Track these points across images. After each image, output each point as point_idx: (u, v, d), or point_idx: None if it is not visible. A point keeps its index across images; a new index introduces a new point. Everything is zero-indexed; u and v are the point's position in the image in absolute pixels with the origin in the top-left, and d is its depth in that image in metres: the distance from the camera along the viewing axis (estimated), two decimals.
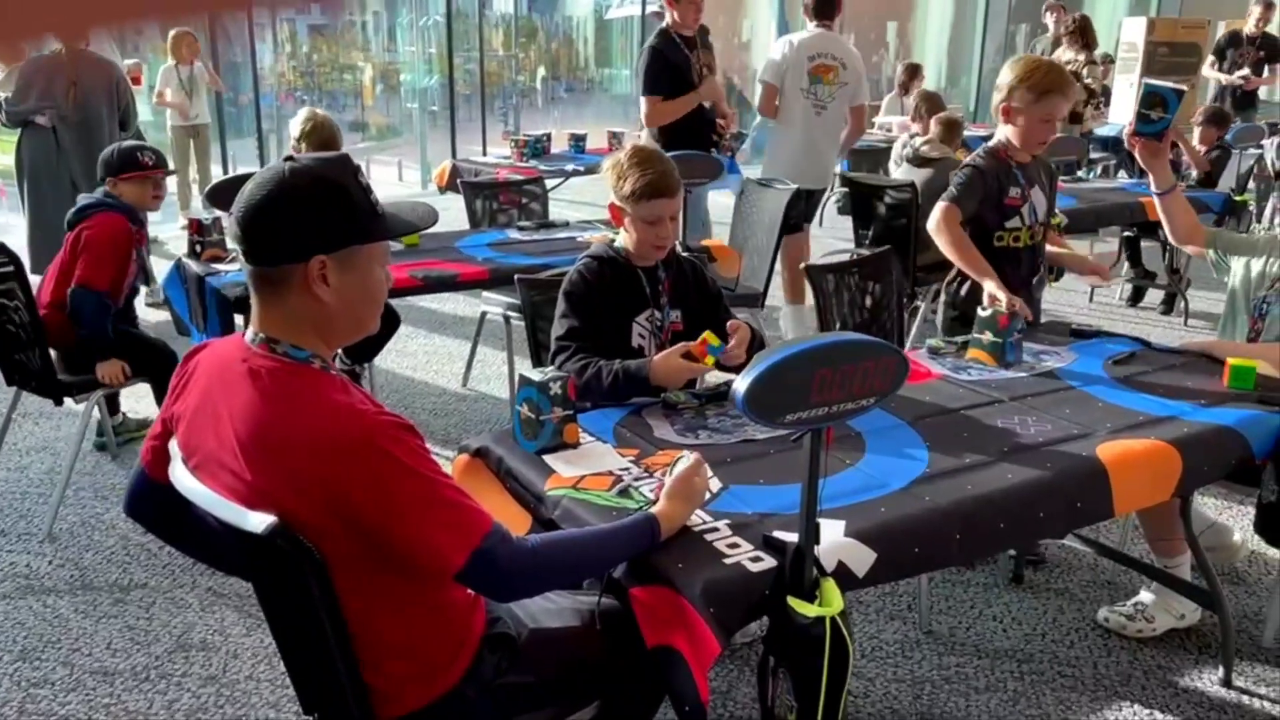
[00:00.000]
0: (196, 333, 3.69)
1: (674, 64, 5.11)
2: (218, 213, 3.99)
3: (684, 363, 2.39)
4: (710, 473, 2.06)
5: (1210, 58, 8.31)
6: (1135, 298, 6.37)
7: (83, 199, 3.61)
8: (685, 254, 2.78)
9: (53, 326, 3.43)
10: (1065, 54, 7.52)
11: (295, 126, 4.02)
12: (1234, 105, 8.15)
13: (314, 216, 1.49)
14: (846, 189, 5.89)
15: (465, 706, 1.67)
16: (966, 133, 6.84)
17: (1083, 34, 7.51)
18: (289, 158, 1.53)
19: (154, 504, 1.74)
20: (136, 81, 6.70)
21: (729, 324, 2.48)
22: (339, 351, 4.22)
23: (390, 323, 4.22)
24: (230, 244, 3.72)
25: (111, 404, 3.98)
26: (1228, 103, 8.10)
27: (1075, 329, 3.04)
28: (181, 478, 1.58)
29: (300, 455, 1.44)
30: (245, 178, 1.55)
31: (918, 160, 5.22)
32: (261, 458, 1.46)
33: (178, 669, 2.66)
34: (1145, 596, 2.88)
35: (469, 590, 1.72)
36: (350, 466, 1.43)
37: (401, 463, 1.46)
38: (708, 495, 1.96)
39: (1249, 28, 8.27)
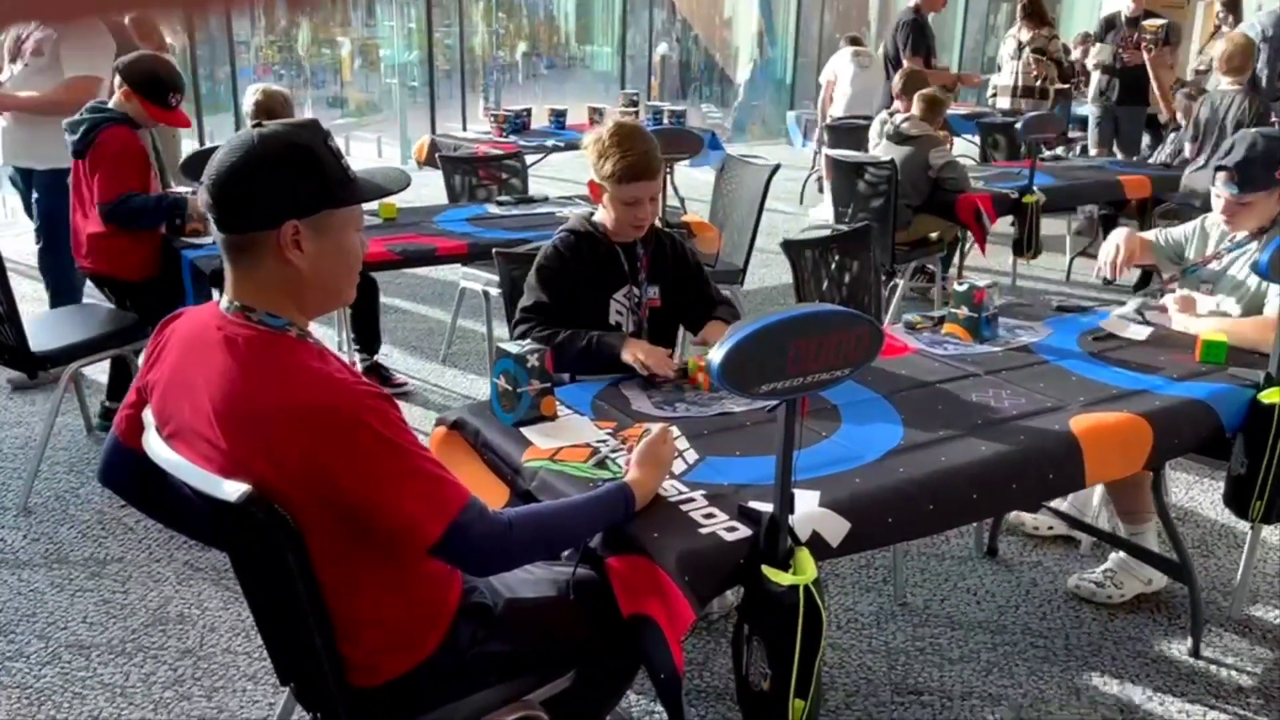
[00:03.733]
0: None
1: (928, 38, 7.33)
2: (196, 186, 3.97)
3: (661, 352, 2.43)
4: (686, 443, 2.07)
5: (1095, 46, 7.40)
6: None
7: (86, 117, 3.58)
8: (666, 229, 2.78)
9: (104, 260, 3.58)
10: (1024, 33, 7.53)
11: (247, 103, 4.03)
12: (1120, 97, 7.21)
13: (284, 181, 1.47)
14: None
15: (441, 676, 1.67)
16: (948, 111, 6.84)
17: (1034, 10, 7.52)
18: (257, 124, 1.52)
19: (129, 473, 1.74)
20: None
21: (708, 329, 2.55)
22: (357, 350, 4.29)
23: (369, 293, 4.25)
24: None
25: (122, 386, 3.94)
26: (1114, 95, 7.22)
27: (1059, 305, 3.06)
28: (155, 446, 1.57)
29: (276, 424, 1.43)
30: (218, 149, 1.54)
31: (898, 138, 5.22)
32: (237, 426, 1.46)
33: (154, 642, 2.66)
34: (1113, 561, 2.92)
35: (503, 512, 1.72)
36: (327, 436, 1.43)
37: (379, 433, 1.45)
38: (683, 466, 1.97)
39: (1128, 9, 7.30)
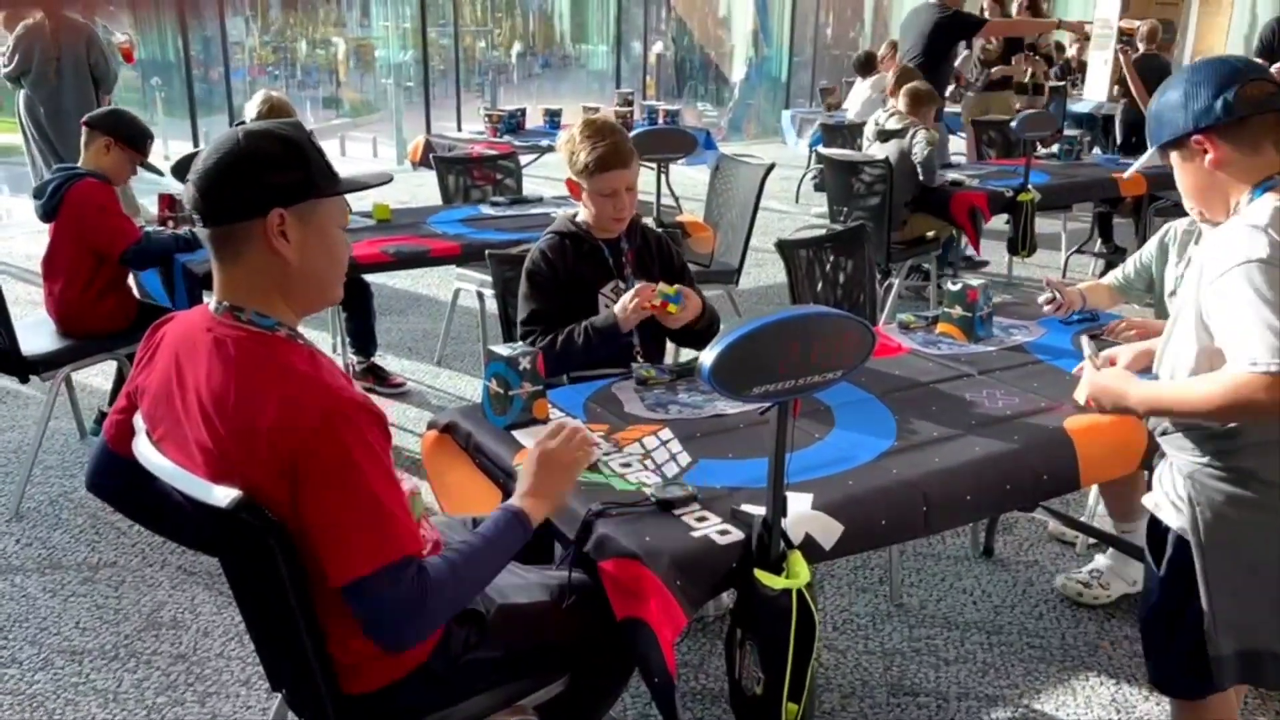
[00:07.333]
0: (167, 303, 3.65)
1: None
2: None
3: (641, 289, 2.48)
4: (679, 446, 2.06)
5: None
6: (1106, 273, 6.39)
7: (52, 178, 3.50)
8: (658, 228, 2.79)
9: (80, 322, 3.46)
10: None
11: (251, 109, 4.01)
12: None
13: (271, 171, 1.48)
14: (822, 165, 5.89)
15: (433, 682, 1.66)
16: (944, 110, 6.83)
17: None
18: (240, 123, 1.53)
19: (117, 478, 1.72)
20: (128, 58, 6.78)
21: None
22: (353, 356, 4.27)
23: (362, 296, 4.24)
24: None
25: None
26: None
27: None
28: (146, 452, 1.56)
29: (261, 425, 1.42)
30: None
31: (883, 136, 5.22)
32: (225, 428, 1.45)
33: (147, 647, 2.65)
34: (1100, 563, 2.92)
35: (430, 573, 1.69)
36: (303, 439, 1.40)
37: (347, 449, 1.41)
38: (676, 469, 1.95)
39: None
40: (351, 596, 1.45)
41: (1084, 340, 2.14)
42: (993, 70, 7.81)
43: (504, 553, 1.63)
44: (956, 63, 7.52)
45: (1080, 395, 2.10)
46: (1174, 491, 1.81)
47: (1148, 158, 1.88)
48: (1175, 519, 1.80)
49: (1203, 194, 1.79)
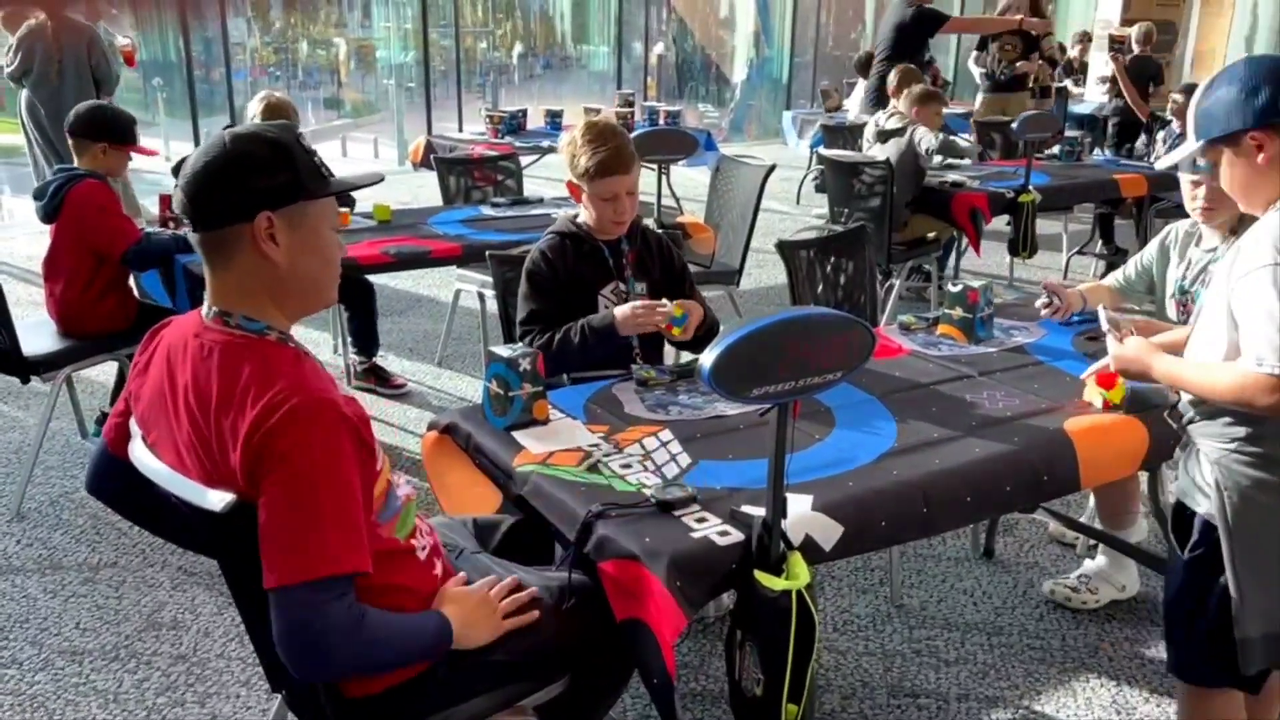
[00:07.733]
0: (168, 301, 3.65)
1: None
2: None
3: (647, 301, 2.50)
4: (679, 447, 2.06)
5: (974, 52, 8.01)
6: (1108, 274, 6.38)
7: (53, 179, 3.50)
8: (658, 229, 2.80)
9: (80, 322, 3.46)
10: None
11: (252, 110, 4.01)
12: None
13: (257, 174, 1.47)
14: (823, 166, 5.89)
15: (435, 686, 1.66)
16: (946, 110, 6.83)
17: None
18: (228, 127, 1.53)
19: (116, 481, 1.72)
20: (130, 61, 6.79)
21: (680, 302, 2.53)
22: (355, 356, 4.26)
23: (365, 295, 4.24)
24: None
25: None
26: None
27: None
28: (141, 456, 1.57)
29: (239, 427, 1.41)
30: None
31: (882, 136, 5.21)
32: (210, 431, 1.45)
33: (148, 648, 2.65)
34: (1089, 567, 2.91)
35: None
36: (267, 432, 1.39)
37: (302, 450, 1.39)
38: (676, 469, 1.96)
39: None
40: (273, 604, 1.41)
41: (1100, 311, 2.15)
42: (1018, 65, 7.78)
43: (416, 651, 1.59)
44: (970, 62, 7.61)
45: (1110, 365, 2.11)
46: (1201, 477, 1.83)
47: (1189, 151, 1.90)
48: (1203, 504, 1.82)
49: (1246, 189, 1.80)
